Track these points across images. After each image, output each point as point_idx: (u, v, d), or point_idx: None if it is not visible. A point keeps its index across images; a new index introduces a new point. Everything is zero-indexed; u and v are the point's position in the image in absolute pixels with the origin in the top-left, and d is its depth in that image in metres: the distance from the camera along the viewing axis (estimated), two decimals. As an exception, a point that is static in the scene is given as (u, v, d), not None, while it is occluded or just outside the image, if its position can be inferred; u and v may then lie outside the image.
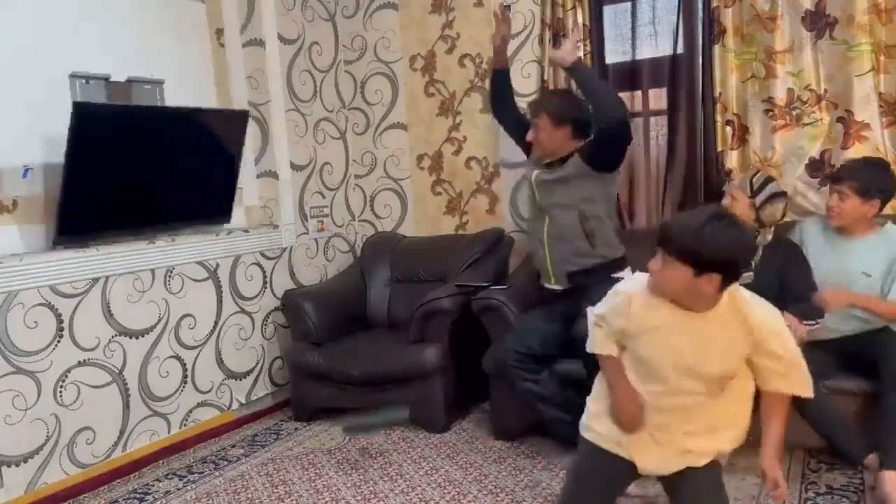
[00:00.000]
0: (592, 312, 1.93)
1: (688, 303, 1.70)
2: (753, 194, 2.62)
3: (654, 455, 1.82)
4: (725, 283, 1.65)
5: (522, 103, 3.74)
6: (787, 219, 2.84)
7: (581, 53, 3.47)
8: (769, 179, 2.67)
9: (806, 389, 1.75)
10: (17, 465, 2.59)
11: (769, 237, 2.70)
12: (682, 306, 1.71)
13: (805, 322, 2.41)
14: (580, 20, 3.48)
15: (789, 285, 2.58)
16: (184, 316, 3.19)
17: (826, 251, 2.65)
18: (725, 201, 2.69)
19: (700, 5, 3.30)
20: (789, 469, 2.59)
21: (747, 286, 2.53)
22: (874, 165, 2.60)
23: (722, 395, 1.77)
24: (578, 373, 2.61)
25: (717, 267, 1.61)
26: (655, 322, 1.74)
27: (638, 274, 1.88)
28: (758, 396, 1.82)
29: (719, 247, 1.60)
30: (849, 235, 2.61)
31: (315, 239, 3.93)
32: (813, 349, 2.51)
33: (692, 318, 1.71)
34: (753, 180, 2.65)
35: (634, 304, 1.77)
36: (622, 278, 2.42)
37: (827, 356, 2.52)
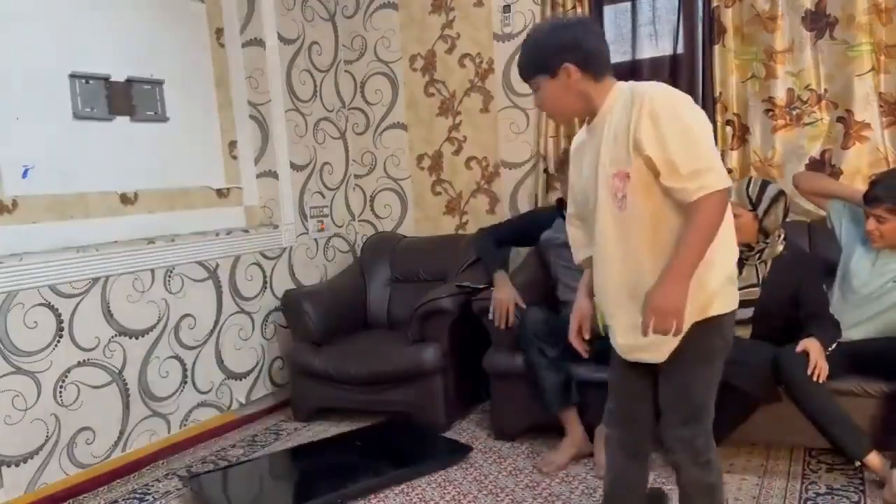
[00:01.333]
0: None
1: (583, 109, 1.71)
2: (754, 206, 2.52)
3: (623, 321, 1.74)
4: (588, 68, 1.64)
5: (522, 103, 3.77)
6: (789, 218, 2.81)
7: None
8: (765, 184, 2.56)
9: (698, 184, 1.52)
10: (17, 465, 2.58)
11: (779, 248, 2.58)
12: (590, 122, 1.73)
13: (826, 349, 2.42)
14: (580, 20, 3.48)
15: (804, 303, 2.53)
16: (184, 316, 3.19)
17: (867, 260, 2.59)
18: None
19: (700, 5, 3.30)
20: (790, 469, 2.59)
21: (753, 302, 2.54)
22: None
23: (634, 221, 1.63)
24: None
25: (554, 57, 1.64)
26: (575, 147, 1.81)
27: None
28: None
29: (533, 41, 1.70)
30: (892, 252, 2.54)
31: (315, 239, 3.92)
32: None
33: (594, 128, 1.70)
34: (749, 191, 2.53)
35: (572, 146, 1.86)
36: None
37: (842, 358, 2.50)
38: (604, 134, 1.65)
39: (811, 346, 2.41)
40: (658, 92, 1.59)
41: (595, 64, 1.65)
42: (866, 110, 3.01)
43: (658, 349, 1.69)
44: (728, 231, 1.68)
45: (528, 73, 1.72)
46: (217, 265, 3.34)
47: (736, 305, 1.72)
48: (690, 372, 1.71)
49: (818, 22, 3.07)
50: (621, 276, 1.70)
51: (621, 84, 1.68)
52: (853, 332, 2.57)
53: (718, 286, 1.66)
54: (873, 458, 2.34)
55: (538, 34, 1.72)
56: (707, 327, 1.67)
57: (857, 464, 2.38)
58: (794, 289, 2.53)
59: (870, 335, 2.57)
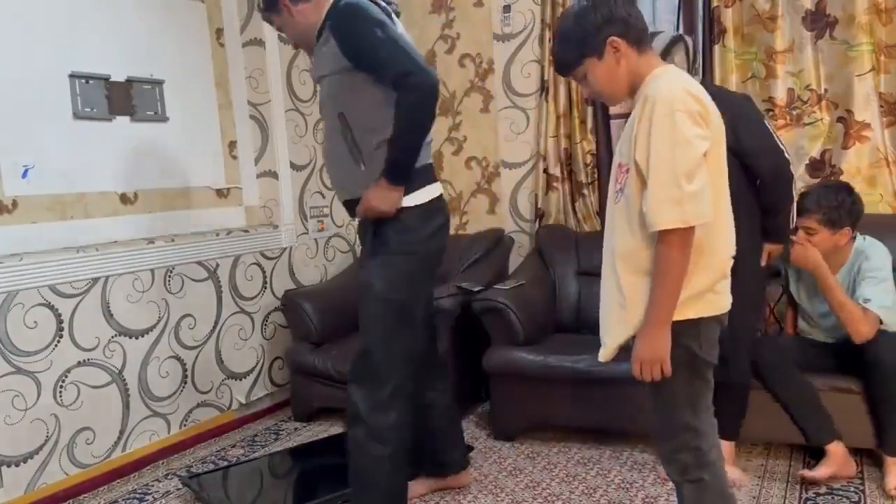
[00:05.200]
0: None
1: (629, 87, 1.58)
2: None
3: None
4: (631, 38, 1.53)
5: (522, 103, 3.78)
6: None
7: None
8: None
9: (656, 217, 1.43)
10: (17, 465, 2.58)
11: None
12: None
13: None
14: (580, 20, 3.49)
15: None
16: (184, 316, 3.19)
17: (809, 281, 2.58)
18: None
19: (700, 5, 3.30)
20: (790, 469, 2.59)
21: None
22: (836, 190, 2.47)
23: (621, 219, 1.56)
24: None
25: (598, 34, 1.52)
26: None
27: None
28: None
29: (571, 24, 1.57)
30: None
31: (315, 239, 3.92)
32: (810, 346, 2.58)
33: (634, 104, 1.57)
34: None
35: None
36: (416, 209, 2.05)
37: (826, 356, 2.54)
38: (632, 113, 1.55)
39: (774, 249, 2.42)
40: (664, 96, 1.46)
41: (637, 33, 1.54)
42: (866, 110, 3.01)
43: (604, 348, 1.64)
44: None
45: (573, 59, 1.57)
46: (217, 265, 3.34)
47: (699, 314, 1.52)
48: (649, 384, 1.57)
49: (818, 22, 3.08)
50: (604, 268, 1.64)
51: (662, 67, 1.56)
52: (827, 337, 2.60)
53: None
54: (835, 447, 2.38)
55: (571, 18, 1.58)
56: None
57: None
58: None
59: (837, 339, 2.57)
